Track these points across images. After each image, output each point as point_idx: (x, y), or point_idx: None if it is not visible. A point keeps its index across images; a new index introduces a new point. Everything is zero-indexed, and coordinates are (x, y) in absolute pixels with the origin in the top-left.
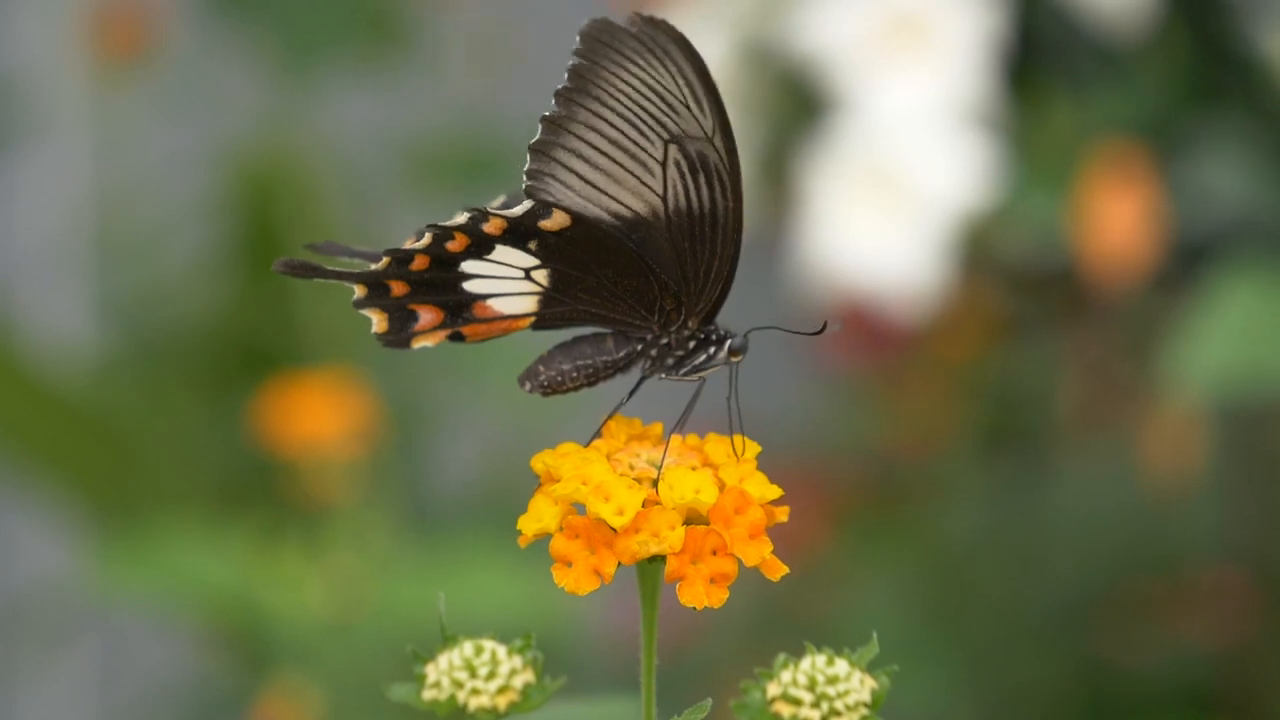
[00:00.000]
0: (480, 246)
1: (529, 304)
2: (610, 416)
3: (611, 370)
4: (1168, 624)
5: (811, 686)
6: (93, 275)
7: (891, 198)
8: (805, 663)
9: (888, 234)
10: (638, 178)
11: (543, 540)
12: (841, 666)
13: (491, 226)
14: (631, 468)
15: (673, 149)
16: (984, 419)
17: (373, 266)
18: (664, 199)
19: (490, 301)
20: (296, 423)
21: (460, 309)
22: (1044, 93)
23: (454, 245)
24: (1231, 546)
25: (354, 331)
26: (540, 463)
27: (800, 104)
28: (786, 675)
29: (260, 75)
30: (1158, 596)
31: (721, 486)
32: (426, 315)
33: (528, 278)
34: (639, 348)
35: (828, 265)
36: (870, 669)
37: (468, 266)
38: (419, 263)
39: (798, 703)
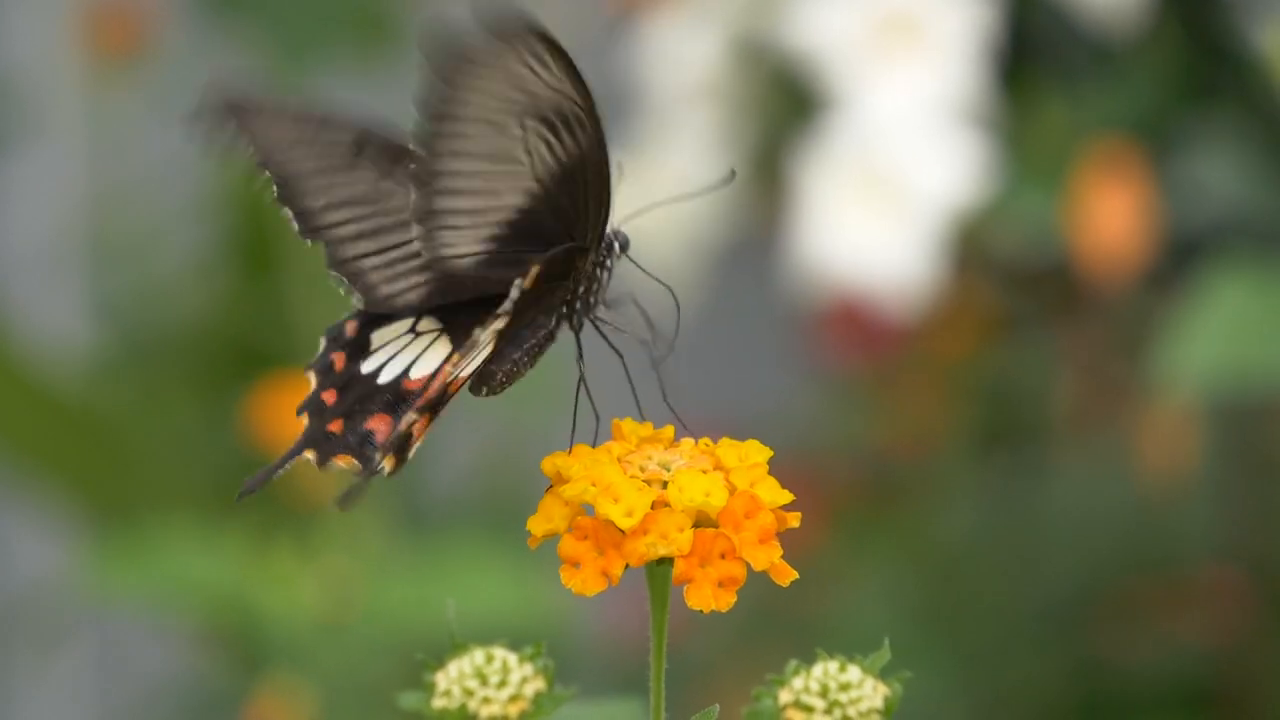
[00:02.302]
0: (359, 348)
1: (442, 348)
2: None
3: (550, 339)
4: (1163, 623)
5: (824, 693)
6: (87, 275)
7: (885, 196)
8: (817, 669)
9: (881, 232)
10: (511, 175)
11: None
12: (854, 673)
13: (350, 330)
14: (642, 470)
15: (530, 123)
16: (978, 417)
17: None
18: (534, 173)
19: (411, 373)
20: (290, 423)
21: (398, 401)
22: (1037, 90)
23: (338, 364)
24: (1227, 545)
25: None
26: (551, 464)
27: (793, 102)
28: (799, 682)
29: (255, 75)
30: (1153, 595)
31: (732, 490)
32: (380, 427)
33: (414, 332)
34: (565, 310)
35: (821, 263)
36: (882, 675)
37: (366, 366)
38: (327, 396)
39: (810, 709)
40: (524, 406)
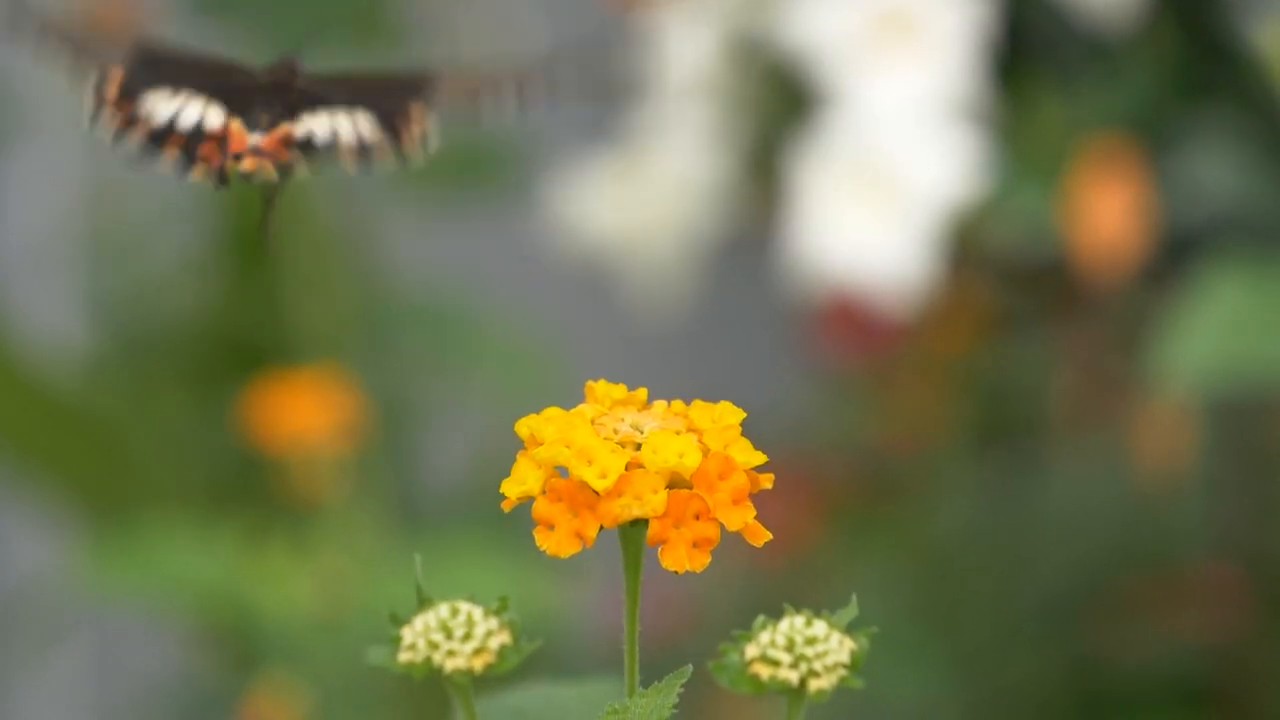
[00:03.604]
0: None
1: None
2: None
3: None
4: (1160, 619)
5: (790, 647)
6: (83, 273)
7: (881, 192)
8: (784, 624)
9: (878, 229)
10: None
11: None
12: (820, 627)
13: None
14: (616, 432)
15: None
16: (975, 414)
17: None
18: None
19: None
20: (284, 420)
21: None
22: (1033, 87)
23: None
24: (1224, 541)
25: (342, 329)
26: (525, 427)
27: (790, 99)
28: (765, 636)
29: None
30: (1150, 592)
31: (705, 451)
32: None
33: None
34: None
35: (818, 260)
36: (849, 631)
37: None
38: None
39: (776, 664)
40: (521, 402)
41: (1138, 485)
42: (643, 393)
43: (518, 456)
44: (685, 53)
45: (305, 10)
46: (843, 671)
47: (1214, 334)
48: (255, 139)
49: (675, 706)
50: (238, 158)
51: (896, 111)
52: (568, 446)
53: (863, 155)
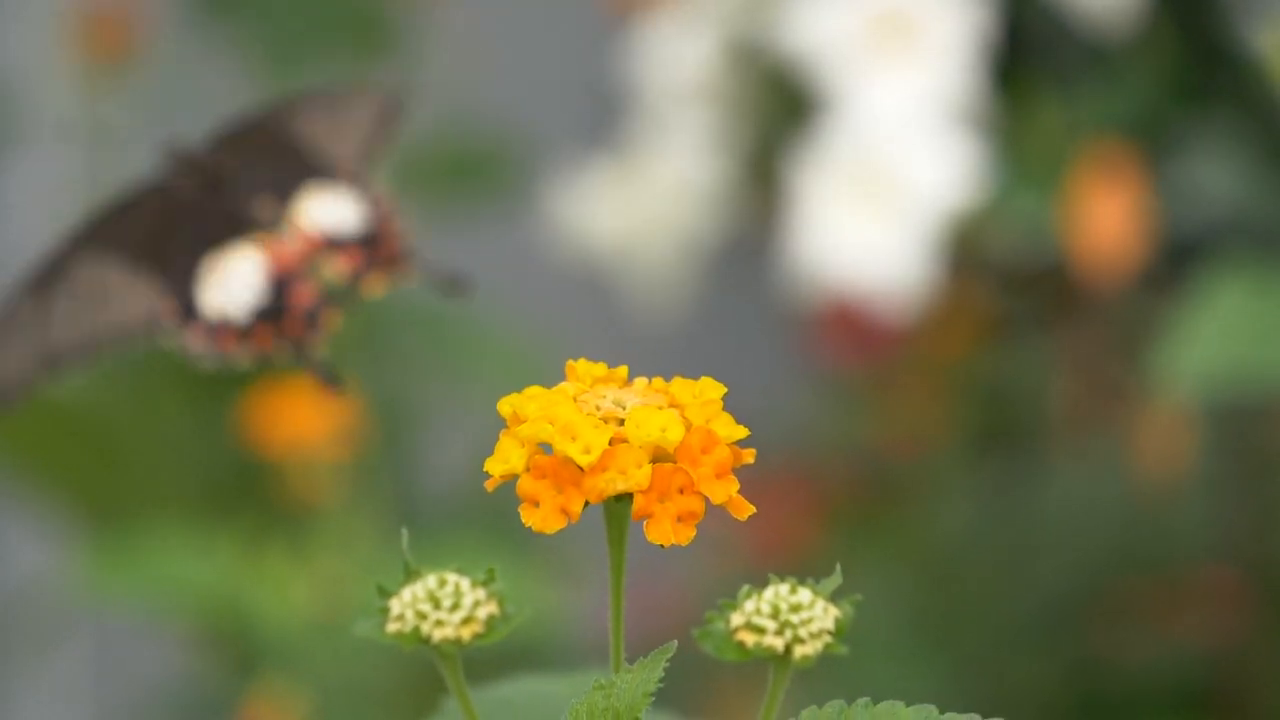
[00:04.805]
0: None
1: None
2: None
3: None
4: (1160, 623)
5: (775, 614)
6: None
7: (880, 197)
8: (769, 592)
9: (877, 233)
10: None
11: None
12: (805, 595)
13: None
14: (598, 408)
15: None
16: (974, 418)
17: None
18: None
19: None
20: (283, 425)
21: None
22: (1032, 91)
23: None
24: (1223, 545)
25: (339, 332)
26: (507, 405)
27: (788, 103)
28: (750, 604)
29: (248, 77)
30: (1150, 595)
31: (688, 426)
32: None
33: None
34: None
35: (817, 264)
36: (834, 599)
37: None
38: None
39: (761, 631)
40: None
41: (1137, 489)
42: (623, 370)
43: (500, 435)
44: (684, 57)
45: (301, 15)
46: (828, 638)
47: (1214, 339)
48: (287, 241)
49: (660, 681)
50: (303, 297)
51: (895, 115)
52: (551, 423)
53: (862, 159)
